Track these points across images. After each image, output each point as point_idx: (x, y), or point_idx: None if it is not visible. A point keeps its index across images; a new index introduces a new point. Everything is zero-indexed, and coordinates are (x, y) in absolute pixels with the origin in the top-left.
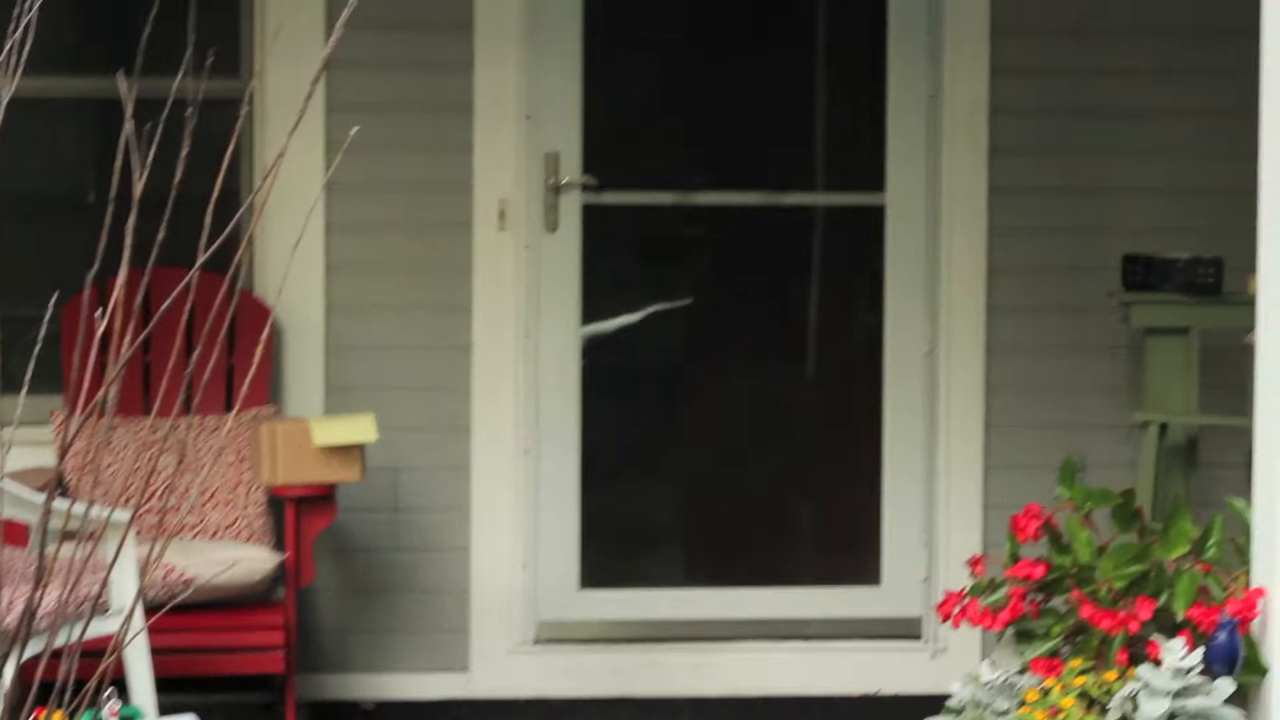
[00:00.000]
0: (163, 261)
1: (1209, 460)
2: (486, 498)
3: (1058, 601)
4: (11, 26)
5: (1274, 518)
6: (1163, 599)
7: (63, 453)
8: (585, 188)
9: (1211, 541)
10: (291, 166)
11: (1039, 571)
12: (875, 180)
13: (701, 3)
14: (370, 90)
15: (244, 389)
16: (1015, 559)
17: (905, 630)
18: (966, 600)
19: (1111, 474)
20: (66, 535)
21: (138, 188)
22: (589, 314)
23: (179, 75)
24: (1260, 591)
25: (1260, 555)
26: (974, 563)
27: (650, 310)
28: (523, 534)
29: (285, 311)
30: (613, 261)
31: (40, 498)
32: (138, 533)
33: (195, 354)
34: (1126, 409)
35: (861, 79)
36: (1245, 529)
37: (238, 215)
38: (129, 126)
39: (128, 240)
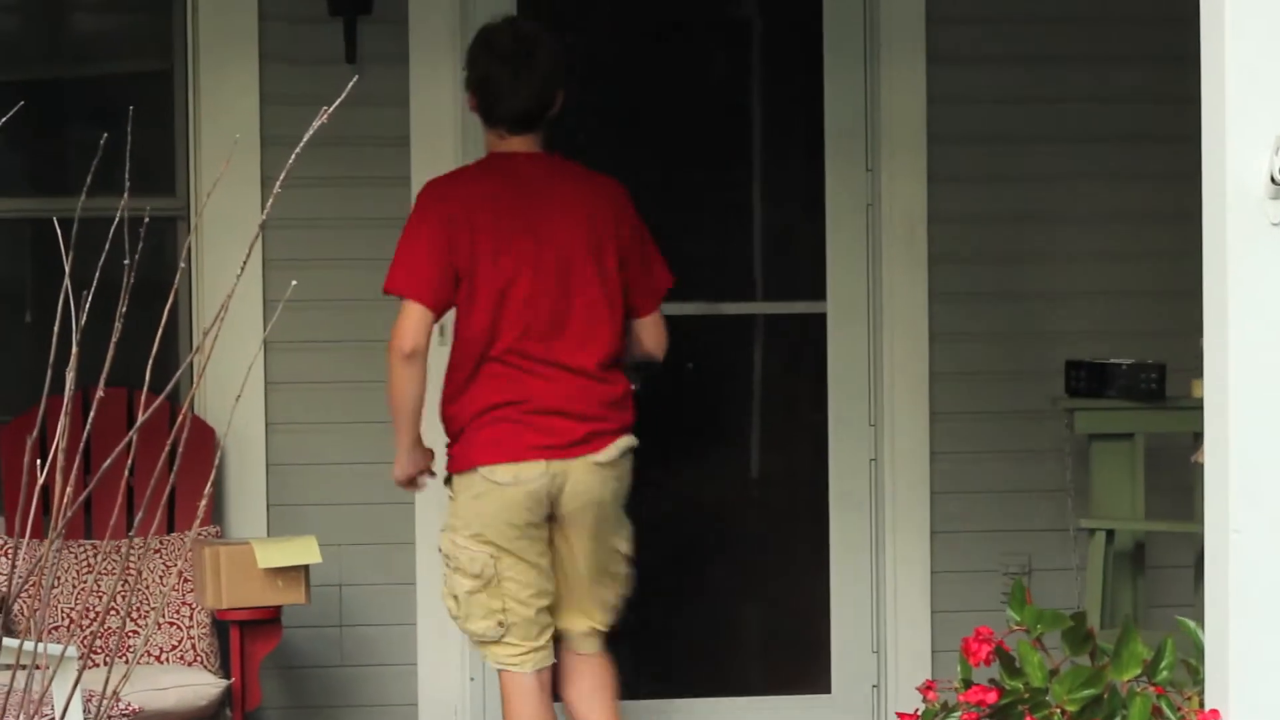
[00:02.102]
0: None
1: (1157, 562)
2: (432, 612)
3: None
4: None
5: (1226, 639)
6: None
7: (9, 582)
8: None
9: (1164, 663)
10: (229, 284)
11: (992, 697)
12: (816, 288)
13: (638, 115)
14: (307, 206)
15: (199, 513)
16: (968, 684)
17: None
18: None
19: (1059, 578)
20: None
21: (79, 326)
22: None
23: (122, 200)
24: (1215, 714)
25: (1213, 676)
26: (926, 688)
27: None
28: (469, 647)
29: (226, 430)
30: None
31: None
32: (81, 656)
33: (153, 482)
34: (1073, 513)
35: (801, 188)
36: (1197, 648)
37: (177, 372)
38: (68, 272)
39: (70, 379)
